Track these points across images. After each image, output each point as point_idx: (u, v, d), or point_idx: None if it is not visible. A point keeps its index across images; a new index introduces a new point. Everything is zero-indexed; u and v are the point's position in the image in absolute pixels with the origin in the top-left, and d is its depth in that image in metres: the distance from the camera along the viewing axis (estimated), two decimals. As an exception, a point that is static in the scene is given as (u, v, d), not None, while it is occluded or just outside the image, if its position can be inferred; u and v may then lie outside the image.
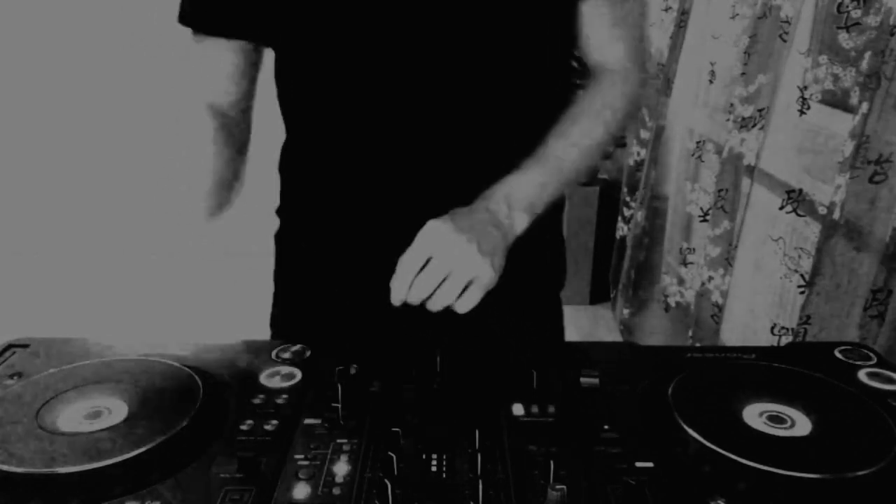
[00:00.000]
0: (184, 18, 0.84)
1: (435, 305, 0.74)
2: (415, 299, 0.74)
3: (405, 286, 0.74)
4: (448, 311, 0.88)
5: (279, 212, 0.99)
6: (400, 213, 0.87)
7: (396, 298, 0.74)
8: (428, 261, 0.74)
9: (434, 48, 0.81)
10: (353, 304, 0.93)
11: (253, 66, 0.88)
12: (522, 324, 0.95)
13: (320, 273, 0.95)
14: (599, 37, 0.89)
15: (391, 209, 0.88)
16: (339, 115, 0.87)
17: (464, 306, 0.75)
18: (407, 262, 0.74)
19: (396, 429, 0.63)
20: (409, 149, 0.86)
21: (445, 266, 0.73)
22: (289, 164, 0.96)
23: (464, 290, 0.74)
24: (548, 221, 0.86)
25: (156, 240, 3.32)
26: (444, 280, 0.74)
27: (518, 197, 0.80)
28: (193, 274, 3.16)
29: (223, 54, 0.85)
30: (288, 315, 0.99)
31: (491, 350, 0.79)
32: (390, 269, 0.88)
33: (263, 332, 0.81)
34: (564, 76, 0.91)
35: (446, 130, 0.84)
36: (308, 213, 0.95)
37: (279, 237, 0.99)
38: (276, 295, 1.01)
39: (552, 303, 1.02)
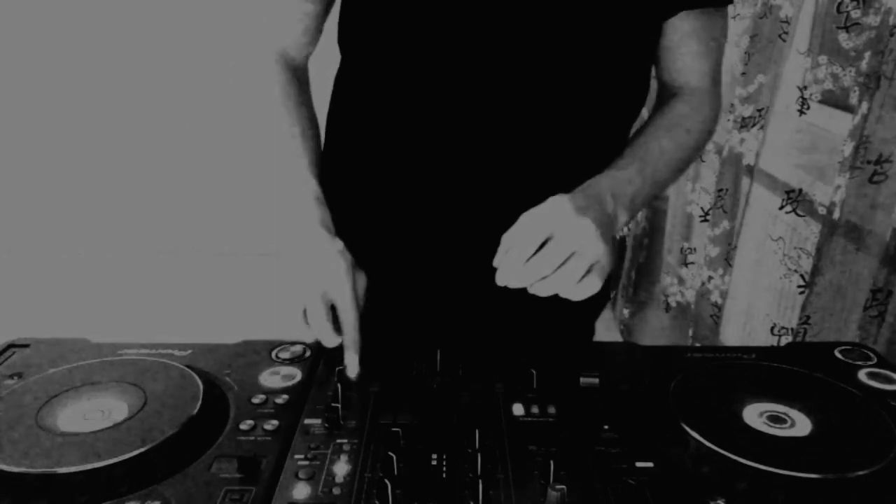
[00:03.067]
0: None
1: (547, 290, 0.67)
2: (526, 281, 0.67)
3: (517, 266, 0.66)
4: (486, 309, 0.87)
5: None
6: (451, 213, 0.84)
7: (504, 279, 0.67)
8: (546, 240, 0.67)
9: (519, 51, 0.77)
10: (397, 305, 0.91)
11: (325, 15, 0.88)
12: (553, 339, 0.91)
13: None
14: (685, 56, 0.85)
15: (440, 208, 0.85)
16: (404, 101, 0.82)
17: (582, 293, 0.68)
18: (524, 239, 0.67)
19: (396, 429, 0.64)
20: (468, 148, 0.81)
21: (569, 246, 0.66)
22: (334, 152, 0.92)
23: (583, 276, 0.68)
24: None
25: (156, 239, 3.32)
26: (562, 263, 0.67)
27: (620, 192, 0.75)
28: (193, 274, 3.16)
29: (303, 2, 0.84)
30: None
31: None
32: (434, 267, 0.87)
33: (263, 333, 0.81)
34: (637, 93, 0.87)
35: (513, 134, 0.80)
36: (351, 201, 0.91)
37: None
38: None
39: (586, 327, 0.99)
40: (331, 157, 0.92)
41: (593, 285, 0.68)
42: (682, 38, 0.83)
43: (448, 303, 0.90)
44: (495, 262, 0.68)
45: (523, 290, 0.69)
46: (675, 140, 0.84)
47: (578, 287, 0.68)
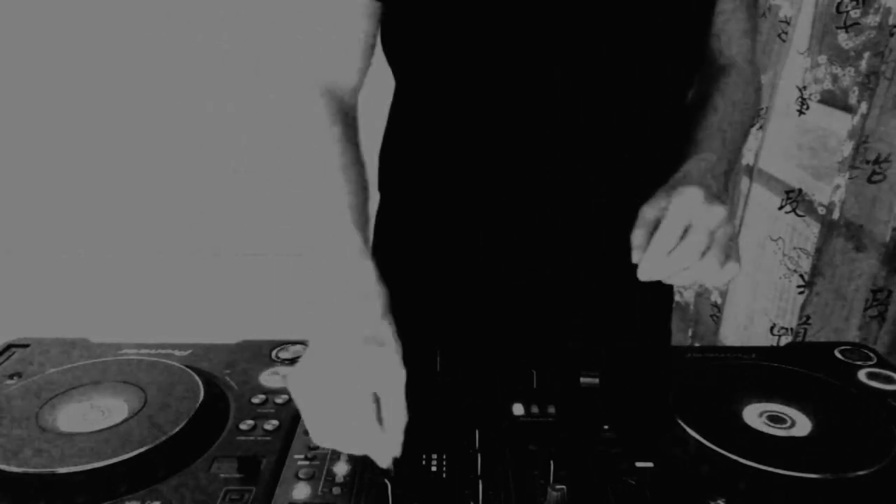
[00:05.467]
0: None
1: (690, 279, 0.68)
2: (670, 272, 0.67)
3: (661, 258, 0.66)
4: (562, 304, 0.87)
5: (381, 206, 0.92)
6: (517, 205, 0.83)
7: (648, 274, 0.67)
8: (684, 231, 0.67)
9: (568, 35, 0.75)
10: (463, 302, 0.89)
11: (375, 38, 0.79)
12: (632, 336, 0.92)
13: (425, 269, 0.89)
14: (733, 31, 0.87)
15: (508, 202, 0.83)
16: (468, 97, 0.80)
17: (725, 277, 0.68)
18: (665, 233, 0.66)
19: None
20: (534, 139, 0.80)
21: (706, 236, 0.66)
22: (393, 154, 0.90)
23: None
24: None
25: (156, 239, 3.32)
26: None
27: (717, 173, 0.75)
28: (193, 274, 3.16)
29: (358, 20, 0.76)
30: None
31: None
32: (505, 265, 0.86)
33: (263, 333, 0.81)
34: (691, 75, 0.88)
35: (579, 121, 0.79)
36: (411, 202, 0.88)
37: (378, 230, 0.93)
38: None
39: (663, 325, 0.98)
40: (391, 158, 0.90)
41: (734, 268, 0.68)
42: (730, 13, 0.86)
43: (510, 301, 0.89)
44: (634, 259, 0.68)
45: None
46: (742, 112, 0.85)
47: (721, 272, 0.68)
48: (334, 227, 0.66)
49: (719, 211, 0.67)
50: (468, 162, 0.83)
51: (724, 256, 0.67)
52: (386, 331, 0.59)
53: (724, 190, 0.75)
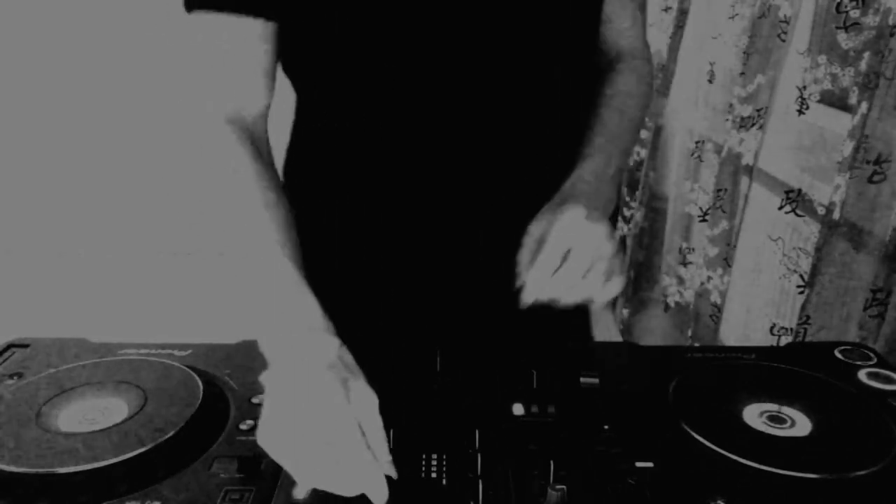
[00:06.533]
0: None
1: (575, 298, 0.69)
2: (554, 294, 0.69)
3: (543, 282, 0.68)
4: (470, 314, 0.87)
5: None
6: (419, 213, 0.84)
7: (532, 296, 0.69)
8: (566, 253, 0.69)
9: (466, 37, 0.76)
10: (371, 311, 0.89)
11: (276, 59, 0.77)
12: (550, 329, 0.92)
13: (333, 275, 0.89)
14: (622, 21, 0.88)
15: (409, 209, 0.84)
16: (359, 106, 0.80)
17: (608, 295, 0.70)
18: (547, 256, 0.68)
19: (396, 429, 0.63)
20: (430, 146, 0.81)
21: (591, 254, 0.68)
22: (296, 166, 0.91)
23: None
24: None
25: (156, 239, 3.32)
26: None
27: (605, 178, 0.77)
28: (193, 274, 3.16)
29: (255, 44, 0.73)
30: None
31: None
32: (406, 275, 0.86)
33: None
34: (586, 67, 0.89)
35: (471, 124, 0.80)
36: (317, 216, 0.89)
37: None
38: None
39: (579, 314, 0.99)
40: (305, 175, 0.90)
41: (617, 284, 0.70)
42: (616, 6, 0.87)
43: (442, 304, 0.89)
44: (520, 281, 0.70)
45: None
46: (631, 107, 0.87)
47: (605, 289, 0.70)
48: (270, 265, 0.66)
49: (601, 230, 0.69)
50: (383, 169, 0.83)
51: (608, 274, 0.69)
52: (348, 358, 0.60)
53: (613, 191, 0.77)
